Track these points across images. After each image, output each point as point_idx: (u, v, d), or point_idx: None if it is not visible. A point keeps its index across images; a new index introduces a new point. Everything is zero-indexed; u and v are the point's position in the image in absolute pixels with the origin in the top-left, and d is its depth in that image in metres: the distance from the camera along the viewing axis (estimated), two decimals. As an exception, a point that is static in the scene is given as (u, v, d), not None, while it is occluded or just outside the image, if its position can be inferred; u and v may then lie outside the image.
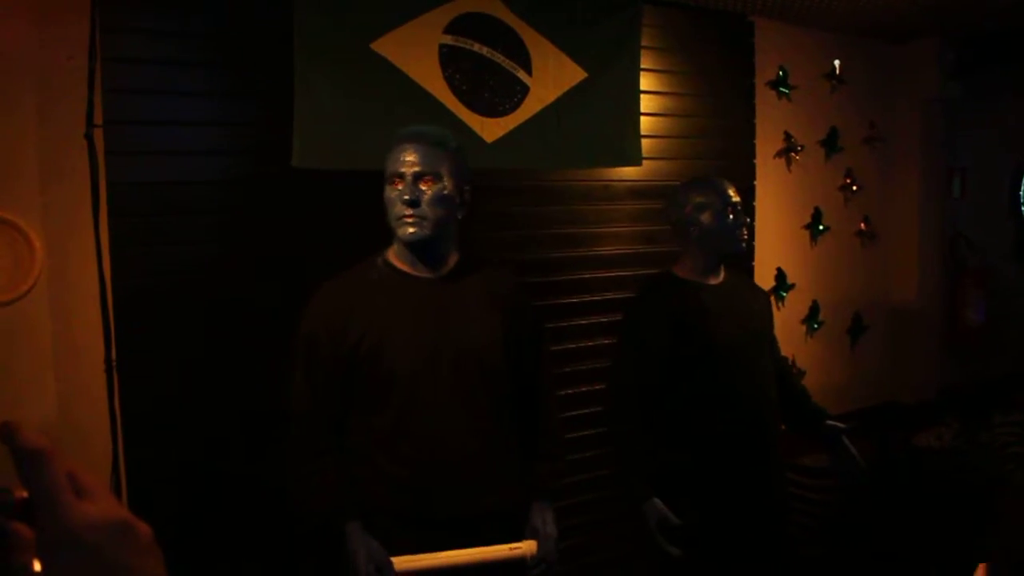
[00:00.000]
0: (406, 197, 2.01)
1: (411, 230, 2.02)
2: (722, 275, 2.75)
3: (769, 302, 2.97)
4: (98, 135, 2.61)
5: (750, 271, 4.11)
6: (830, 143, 4.54)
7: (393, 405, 2.02)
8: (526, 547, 2.04)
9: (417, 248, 2.07)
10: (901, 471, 4.01)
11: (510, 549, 2.02)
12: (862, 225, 4.80)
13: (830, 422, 2.76)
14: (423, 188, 2.02)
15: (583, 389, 3.65)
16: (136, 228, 2.68)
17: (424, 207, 2.02)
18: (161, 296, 2.72)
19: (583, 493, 3.61)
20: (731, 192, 2.70)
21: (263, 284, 2.83)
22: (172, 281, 2.75)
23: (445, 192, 2.04)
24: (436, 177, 2.04)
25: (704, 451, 2.59)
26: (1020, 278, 5.59)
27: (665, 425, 2.61)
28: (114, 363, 2.63)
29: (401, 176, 2.03)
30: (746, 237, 2.73)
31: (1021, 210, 5.60)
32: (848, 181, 4.68)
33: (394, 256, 2.12)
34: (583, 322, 3.67)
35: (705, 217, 2.66)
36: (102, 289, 2.62)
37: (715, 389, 2.60)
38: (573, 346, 3.65)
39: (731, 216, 2.67)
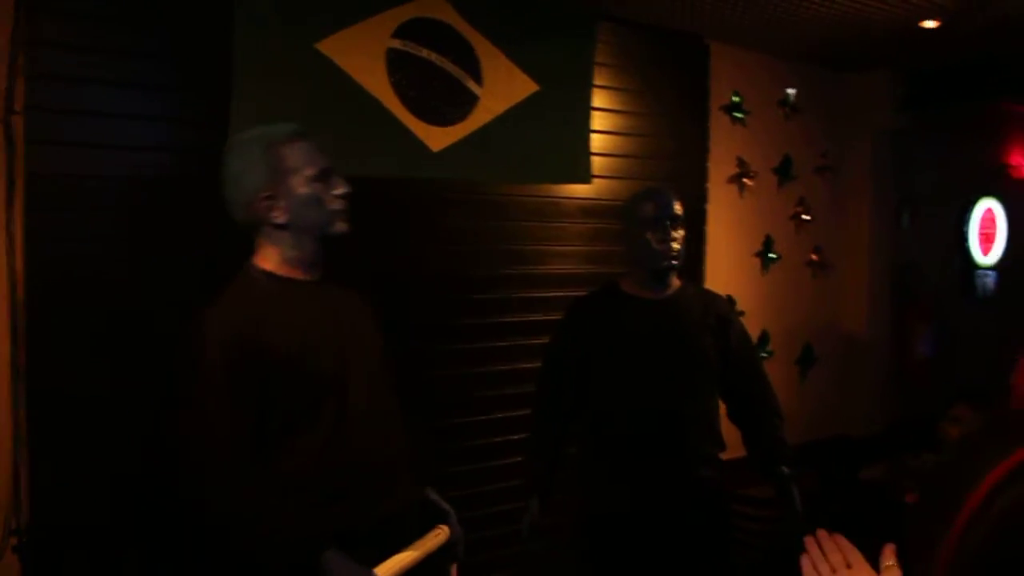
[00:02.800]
0: (346, 190, 1.96)
1: (347, 225, 1.98)
2: (669, 290, 2.65)
3: (723, 328, 2.70)
4: (17, 122, 2.46)
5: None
6: (783, 171, 4.53)
7: (324, 415, 1.90)
8: (445, 530, 2.08)
9: (330, 245, 1.99)
10: (845, 505, 3.95)
11: (436, 536, 2.05)
12: (813, 255, 4.78)
13: (782, 468, 2.70)
14: None
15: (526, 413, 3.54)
16: (53, 223, 2.53)
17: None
18: (76, 297, 2.56)
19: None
20: (661, 205, 2.57)
21: (185, 288, 2.63)
22: (89, 282, 2.58)
23: None
24: None
25: (610, 460, 2.64)
26: (966, 311, 5.63)
27: (584, 428, 2.70)
28: (21, 367, 2.46)
29: (329, 172, 1.95)
30: (672, 253, 2.55)
31: (966, 245, 5.64)
32: (800, 210, 4.66)
33: (274, 263, 1.94)
34: (528, 342, 3.56)
35: (639, 229, 2.57)
36: (12, 287, 2.46)
37: (621, 401, 2.60)
38: (516, 367, 3.53)
39: (654, 231, 2.54)
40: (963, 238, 5.67)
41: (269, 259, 1.94)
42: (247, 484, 1.80)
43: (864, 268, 4.92)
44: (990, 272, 5.82)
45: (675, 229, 2.56)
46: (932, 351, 5.19)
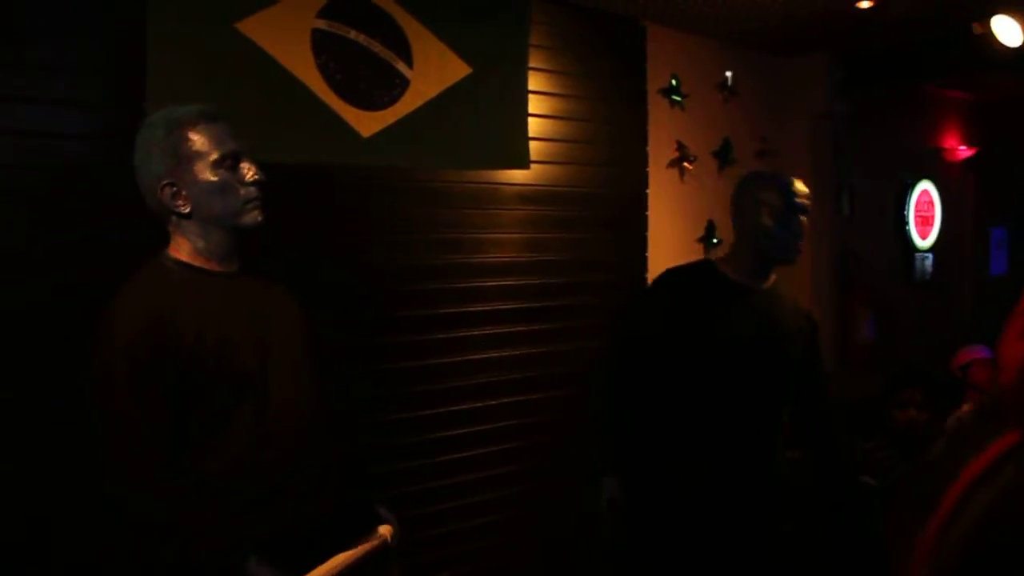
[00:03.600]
0: (258, 178, 1.83)
1: (261, 215, 1.85)
2: (769, 282, 2.55)
3: (811, 329, 2.64)
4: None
5: (644, 283, 3.99)
6: (723, 155, 4.47)
7: (245, 413, 1.78)
8: (385, 531, 2.02)
9: (249, 235, 1.87)
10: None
11: (371, 539, 1.97)
12: (755, 240, 4.74)
13: (866, 479, 2.68)
14: None
15: (465, 407, 3.44)
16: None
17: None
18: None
19: (485, 515, 3.44)
20: (797, 193, 2.46)
21: (86, 281, 2.37)
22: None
23: None
24: None
25: (682, 454, 2.47)
26: (905, 295, 5.66)
27: (657, 418, 2.52)
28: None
29: (238, 156, 1.82)
30: (800, 245, 2.48)
31: (906, 228, 5.68)
32: (741, 195, 4.62)
33: (187, 254, 1.82)
34: (468, 334, 3.46)
35: (761, 216, 2.45)
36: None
37: (711, 390, 2.45)
38: (456, 359, 3.42)
39: (789, 220, 2.44)
40: (902, 222, 5.70)
41: (181, 249, 1.83)
42: (165, 486, 1.67)
43: (806, 253, 4.87)
44: (928, 255, 5.87)
45: (797, 220, 2.46)
46: (874, 334, 5.20)
